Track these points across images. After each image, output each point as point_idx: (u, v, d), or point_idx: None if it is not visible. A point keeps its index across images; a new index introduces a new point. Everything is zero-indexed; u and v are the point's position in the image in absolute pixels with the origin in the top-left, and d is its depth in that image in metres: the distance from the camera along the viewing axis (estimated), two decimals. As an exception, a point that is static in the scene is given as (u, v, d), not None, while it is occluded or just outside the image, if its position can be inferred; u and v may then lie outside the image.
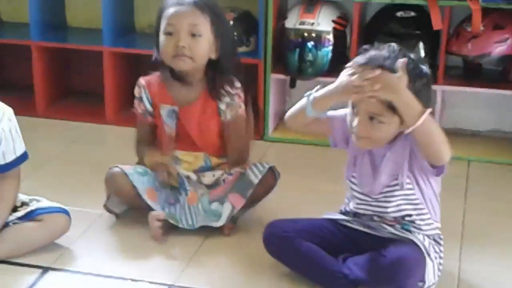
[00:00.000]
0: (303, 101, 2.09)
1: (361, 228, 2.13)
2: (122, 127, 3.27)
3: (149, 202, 2.39)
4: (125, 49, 3.30)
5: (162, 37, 2.37)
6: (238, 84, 2.47)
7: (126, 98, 3.35)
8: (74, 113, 3.42)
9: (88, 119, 3.37)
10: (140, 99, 2.47)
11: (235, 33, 3.11)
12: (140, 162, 2.49)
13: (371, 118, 1.94)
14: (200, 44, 2.35)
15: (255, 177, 2.39)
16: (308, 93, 2.06)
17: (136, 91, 2.48)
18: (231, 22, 3.10)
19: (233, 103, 2.45)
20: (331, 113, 2.12)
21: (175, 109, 2.44)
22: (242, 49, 3.17)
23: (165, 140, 2.48)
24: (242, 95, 2.47)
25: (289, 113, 2.17)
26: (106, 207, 2.48)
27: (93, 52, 3.32)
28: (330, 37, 3.04)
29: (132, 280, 2.18)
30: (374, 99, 1.89)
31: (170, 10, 2.35)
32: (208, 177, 2.48)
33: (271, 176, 2.44)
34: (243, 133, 2.50)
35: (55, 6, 3.48)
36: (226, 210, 2.37)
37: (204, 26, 2.36)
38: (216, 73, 2.42)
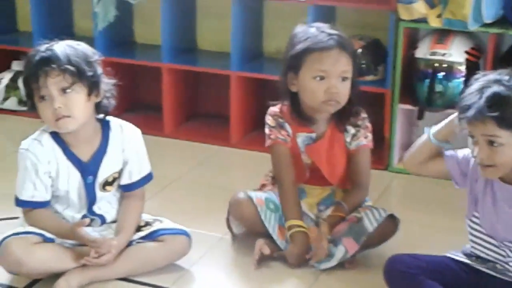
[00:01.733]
0: (423, 137, 2.06)
1: (486, 270, 2.06)
2: (246, 151, 3.32)
3: (279, 242, 2.39)
4: (253, 73, 3.35)
5: (311, 83, 2.32)
6: (364, 114, 2.45)
7: (252, 122, 3.41)
8: (200, 135, 3.49)
9: (213, 141, 3.43)
10: (280, 126, 2.43)
11: (364, 62, 3.09)
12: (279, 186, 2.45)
13: (491, 143, 1.88)
14: (347, 88, 2.34)
15: (370, 224, 2.34)
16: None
17: (271, 120, 2.45)
18: (360, 50, 3.09)
19: (359, 133, 2.43)
20: (448, 152, 2.07)
21: (312, 136, 2.43)
22: (369, 78, 3.15)
23: (300, 168, 2.46)
24: (368, 124, 2.45)
25: (408, 152, 2.14)
26: (228, 224, 2.52)
27: (221, 76, 3.38)
28: (462, 68, 2.97)
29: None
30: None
31: (319, 54, 2.30)
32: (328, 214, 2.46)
33: (390, 224, 2.39)
34: (367, 165, 2.47)
35: (186, 29, 3.58)
36: (339, 253, 2.34)
37: (350, 68, 2.35)
38: (344, 106, 2.39)
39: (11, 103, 3.72)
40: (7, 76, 3.72)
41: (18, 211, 2.40)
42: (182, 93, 3.56)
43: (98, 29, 3.46)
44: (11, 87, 3.70)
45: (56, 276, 2.24)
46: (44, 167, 2.23)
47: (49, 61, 2.14)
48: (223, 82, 3.38)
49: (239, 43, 3.31)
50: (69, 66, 2.14)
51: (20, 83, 3.62)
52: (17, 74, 3.70)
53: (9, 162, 3.20)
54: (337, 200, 2.46)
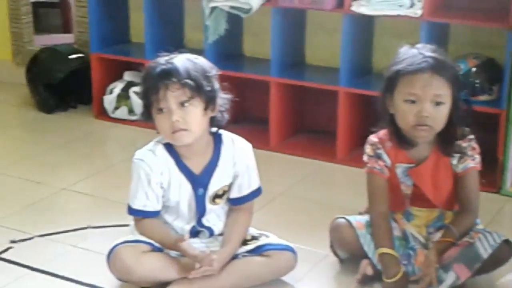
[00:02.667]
0: None
1: None
2: (352, 167, 3.28)
3: (379, 266, 2.35)
4: (361, 90, 3.31)
5: (402, 105, 2.27)
6: (471, 136, 2.37)
7: (358, 138, 3.36)
8: (306, 150, 3.48)
9: (318, 156, 3.41)
10: (378, 156, 2.38)
11: (478, 81, 3.01)
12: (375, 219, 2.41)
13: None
14: (442, 112, 2.26)
15: (484, 250, 2.25)
16: None
17: (370, 149, 2.40)
18: (474, 69, 3.01)
19: (465, 155, 2.35)
20: None
21: (412, 167, 2.38)
22: (483, 97, 3.07)
23: (398, 198, 2.42)
24: (476, 146, 2.37)
25: None
26: (332, 249, 2.49)
27: (329, 91, 3.37)
28: None
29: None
30: None
31: (410, 77, 2.24)
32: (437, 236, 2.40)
33: (505, 250, 2.29)
34: (476, 187, 2.39)
35: (295, 43, 3.58)
36: (449, 279, 2.26)
37: (446, 92, 2.25)
38: (447, 130, 2.32)
39: (122, 112, 3.80)
40: (119, 86, 3.81)
41: (128, 219, 2.46)
42: (289, 107, 3.56)
43: (208, 42, 3.50)
44: (122, 96, 3.79)
45: (162, 285, 2.27)
46: (157, 177, 2.26)
47: (170, 74, 2.18)
48: (331, 97, 3.37)
49: (348, 58, 3.29)
50: (188, 81, 2.17)
51: (131, 93, 3.74)
52: (128, 84, 3.80)
53: (119, 169, 3.30)
54: (446, 224, 2.39)
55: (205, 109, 2.22)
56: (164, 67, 2.20)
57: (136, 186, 2.29)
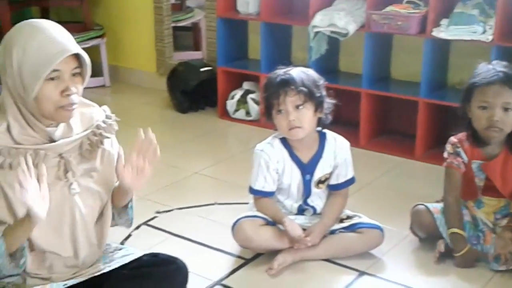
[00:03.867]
0: None
1: None
2: (428, 164, 3.20)
3: (451, 245, 2.30)
4: (438, 101, 3.22)
5: (477, 111, 2.22)
6: None
7: (434, 140, 3.30)
8: (389, 148, 3.41)
9: (400, 154, 3.34)
10: (456, 153, 2.32)
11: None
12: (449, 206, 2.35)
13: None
14: (510, 117, 2.20)
15: None
16: None
17: (450, 147, 2.34)
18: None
19: None
20: None
21: (485, 163, 2.30)
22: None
23: (472, 189, 2.35)
24: None
25: None
26: (412, 230, 2.44)
27: (410, 101, 3.29)
28: None
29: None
30: None
31: (483, 88, 2.20)
32: (504, 222, 2.31)
33: None
34: None
35: (383, 61, 3.52)
36: None
37: None
38: None
39: (240, 114, 3.84)
40: (239, 93, 3.84)
41: (246, 198, 2.48)
42: (376, 113, 3.50)
43: (311, 59, 3.49)
44: (241, 101, 3.83)
45: (274, 252, 2.28)
46: (274, 165, 2.28)
47: (288, 83, 2.19)
48: (411, 106, 3.29)
49: (427, 74, 3.21)
50: (303, 88, 2.18)
51: (248, 99, 3.77)
52: (246, 92, 3.82)
53: (238, 159, 3.33)
54: (511, 211, 2.31)
55: (315, 111, 2.23)
56: (283, 77, 2.22)
57: (257, 171, 2.30)
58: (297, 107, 2.19)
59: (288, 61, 3.55)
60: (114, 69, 4.58)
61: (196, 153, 3.42)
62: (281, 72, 2.25)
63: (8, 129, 1.73)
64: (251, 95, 3.79)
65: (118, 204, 1.93)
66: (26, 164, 1.62)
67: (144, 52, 4.51)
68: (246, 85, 3.85)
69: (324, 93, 2.26)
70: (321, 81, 2.27)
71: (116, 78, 4.60)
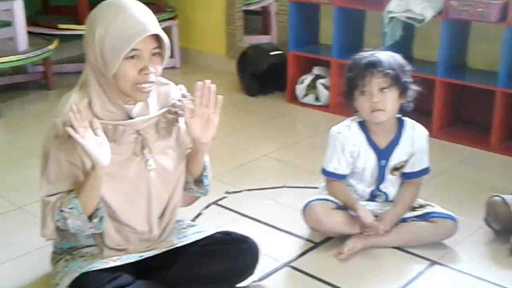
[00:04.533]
0: None
1: None
2: (503, 156, 3.12)
3: None
4: (516, 91, 3.12)
5: None
6: None
7: (510, 132, 3.19)
8: (462, 138, 3.34)
9: (474, 144, 3.26)
10: None
11: None
12: None
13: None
14: None
15: None
16: None
17: None
18: None
19: None
20: None
21: None
22: None
23: None
24: None
25: None
26: (486, 222, 2.38)
27: (486, 91, 3.20)
28: None
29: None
30: None
31: None
32: None
33: None
34: None
35: (459, 49, 3.44)
36: None
37: None
38: None
39: (309, 99, 3.83)
40: (308, 78, 3.83)
41: (316, 183, 2.48)
42: (450, 102, 3.43)
43: (384, 45, 3.43)
44: (311, 86, 3.81)
45: (344, 237, 2.28)
46: (349, 147, 2.27)
47: (375, 65, 2.17)
48: (488, 96, 3.20)
49: (507, 64, 3.11)
50: (390, 71, 2.15)
51: (318, 84, 3.75)
52: (316, 77, 3.81)
53: (306, 144, 3.34)
54: None
55: (399, 96, 2.20)
56: (370, 58, 2.19)
57: (331, 153, 2.30)
58: (381, 89, 2.17)
59: (359, 47, 3.56)
60: (184, 51, 4.64)
61: (265, 136, 3.43)
62: (367, 54, 2.23)
63: (90, 103, 1.79)
64: (321, 80, 3.77)
65: (194, 171, 1.96)
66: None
67: (214, 34, 4.55)
68: (316, 70, 3.83)
69: (410, 79, 2.23)
70: (408, 67, 2.24)
71: (186, 60, 4.66)
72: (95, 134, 1.71)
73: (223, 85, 4.24)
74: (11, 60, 3.59)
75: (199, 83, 1.85)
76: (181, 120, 1.92)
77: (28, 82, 4.18)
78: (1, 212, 2.56)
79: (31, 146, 3.21)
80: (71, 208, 1.77)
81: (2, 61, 3.54)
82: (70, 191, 1.80)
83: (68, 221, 1.79)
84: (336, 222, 2.27)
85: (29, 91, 4.09)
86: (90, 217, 1.80)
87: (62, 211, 1.78)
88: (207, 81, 1.85)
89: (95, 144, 1.70)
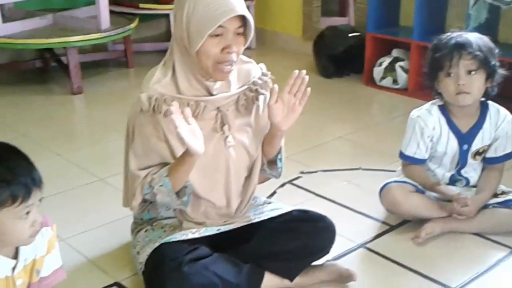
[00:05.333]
0: None
1: None
2: None
3: None
4: None
5: None
6: None
7: None
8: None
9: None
10: None
11: None
12: None
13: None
14: None
15: None
16: None
17: None
18: None
19: None
20: None
21: None
22: None
23: None
24: None
25: None
26: None
27: None
28: None
29: None
30: None
31: None
32: None
33: None
34: None
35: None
36: None
37: None
38: None
39: (387, 82, 3.78)
40: (387, 60, 3.78)
41: (393, 166, 2.45)
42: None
43: (468, 28, 3.34)
44: (389, 69, 3.76)
45: (421, 221, 2.25)
46: (429, 131, 2.23)
47: (464, 46, 2.12)
48: None
49: None
50: (479, 53, 2.10)
51: (397, 66, 3.69)
52: (395, 60, 3.75)
53: (382, 127, 3.31)
54: None
55: (486, 79, 2.14)
56: (459, 39, 2.14)
57: (410, 137, 2.27)
58: (469, 72, 2.12)
59: (441, 30, 3.49)
60: (260, 31, 4.66)
61: (340, 118, 3.42)
62: (455, 35, 2.17)
63: (173, 78, 1.84)
64: (400, 63, 3.71)
65: (269, 153, 1.98)
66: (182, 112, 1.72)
67: (291, 15, 4.54)
68: (395, 53, 3.77)
69: (498, 63, 2.17)
70: (496, 51, 2.18)
71: (262, 40, 4.67)
72: (188, 123, 1.73)
73: (299, 67, 4.13)
74: (93, 38, 3.71)
75: (296, 71, 1.86)
76: (261, 99, 1.94)
77: (109, 60, 4.31)
78: (84, 184, 2.67)
79: (111, 122, 3.32)
80: (161, 186, 1.83)
81: (85, 39, 3.66)
82: (159, 165, 1.86)
83: (157, 197, 1.85)
84: (414, 205, 2.24)
85: (110, 69, 4.22)
86: (178, 194, 1.85)
87: (151, 186, 1.84)
88: (303, 71, 1.86)
89: (189, 133, 1.72)
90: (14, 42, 3.59)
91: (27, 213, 1.38)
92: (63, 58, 3.86)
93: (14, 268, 1.46)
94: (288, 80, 1.86)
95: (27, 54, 4.18)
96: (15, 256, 1.46)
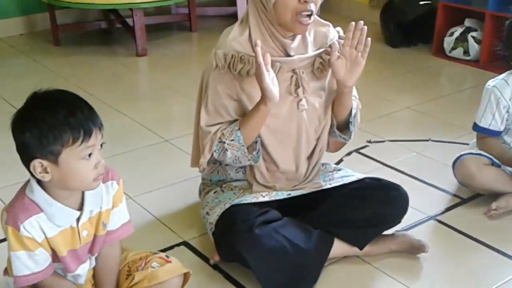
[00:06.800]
0: None
1: None
2: None
3: None
4: None
5: None
6: None
7: None
8: None
9: None
10: None
11: None
12: None
13: None
14: None
15: None
16: None
17: None
18: None
19: None
20: None
21: None
22: None
23: None
24: None
25: None
26: None
27: None
28: None
29: None
30: None
31: None
32: None
33: None
34: None
35: None
36: None
37: None
38: None
39: (457, 53, 3.68)
40: (458, 30, 3.66)
41: (462, 139, 2.38)
42: None
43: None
44: (460, 39, 3.65)
45: (494, 195, 2.19)
46: (505, 102, 2.16)
47: None
48: None
49: None
50: None
51: (469, 37, 3.58)
52: (467, 30, 3.64)
53: (451, 99, 3.23)
54: None
55: None
56: None
57: (484, 108, 2.20)
58: None
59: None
60: (325, -2, 4.59)
61: (408, 89, 3.34)
62: None
63: (250, 37, 1.82)
64: (472, 33, 3.59)
65: (340, 114, 1.95)
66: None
67: (357, -18, 4.46)
68: (468, 22, 3.65)
69: None
70: None
71: (327, 8, 4.58)
72: (267, 69, 1.73)
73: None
74: (157, 0, 3.71)
75: (352, 23, 1.82)
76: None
77: (172, 23, 4.32)
78: (149, 144, 2.70)
79: (175, 85, 3.34)
80: (232, 140, 1.82)
81: (150, 0, 3.67)
82: (228, 122, 1.86)
83: (227, 153, 1.85)
84: (489, 178, 2.18)
85: (173, 32, 4.23)
86: (248, 149, 1.85)
87: (222, 142, 1.84)
88: (360, 22, 1.82)
89: (270, 80, 1.73)
90: (80, 1, 3.62)
91: (90, 154, 1.41)
92: (128, 20, 3.89)
93: (79, 219, 1.49)
94: (346, 33, 1.82)
95: (92, 14, 4.23)
96: (80, 208, 1.49)
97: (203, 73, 1.91)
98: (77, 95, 1.45)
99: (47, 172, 1.40)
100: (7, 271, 1.60)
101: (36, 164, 1.39)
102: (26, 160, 1.40)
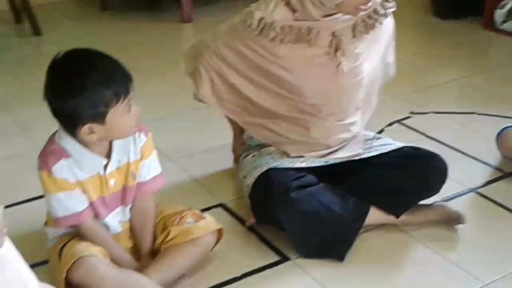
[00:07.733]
0: None
1: None
2: None
3: None
4: None
5: None
6: None
7: None
8: None
9: None
10: None
11: None
12: None
13: None
14: None
15: None
16: None
17: None
18: None
19: None
20: None
21: None
22: None
23: None
24: None
25: None
26: None
27: None
28: None
29: None
30: None
31: None
32: None
33: None
34: None
35: None
36: None
37: None
38: None
39: (509, 26, 3.57)
40: (510, 3, 3.55)
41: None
42: None
43: None
44: (513, 12, 3.55)
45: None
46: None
47: None
48: None
49: None
50: None
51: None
52: (520, 3, 3.53)
53: (501, 73, 3.16)
54: None
55: None
56: None
57: None
58: None
59: None
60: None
61: (455, 61, 3.26)
62: None
63: (288, 4, 1.79)
64: (528, 6, 3.49)
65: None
66: None
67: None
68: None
69: None
70: None
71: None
72: None
73: (413, 6, 4.07)
74: (205, -34, 3.71)
75: None
76: (380, 27, 1.88)
77: (219, -10, 4.31)
78: (192, 108, 2.70)
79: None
80: None
81: (197, -33, 3.67)
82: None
83: None
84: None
85: (219, 0, 4.22)
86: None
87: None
88: None
89: None
90: (129, -33, 3.65)
91: (130, 106, 1.49)
92: (174, -14, 3.90)
93: (106, 168, 1.53)
94: None
95: (139, -20, 4.26)
96: (108, 156, 1.53)
97: (230, 20, 1.93)
98: (99, 52, 1.50)
99: (94, 133, 1.45)
100: (47, 223, 1.65)
101: (85, 128, 1.44)
102: (71, 126, 1.46)
